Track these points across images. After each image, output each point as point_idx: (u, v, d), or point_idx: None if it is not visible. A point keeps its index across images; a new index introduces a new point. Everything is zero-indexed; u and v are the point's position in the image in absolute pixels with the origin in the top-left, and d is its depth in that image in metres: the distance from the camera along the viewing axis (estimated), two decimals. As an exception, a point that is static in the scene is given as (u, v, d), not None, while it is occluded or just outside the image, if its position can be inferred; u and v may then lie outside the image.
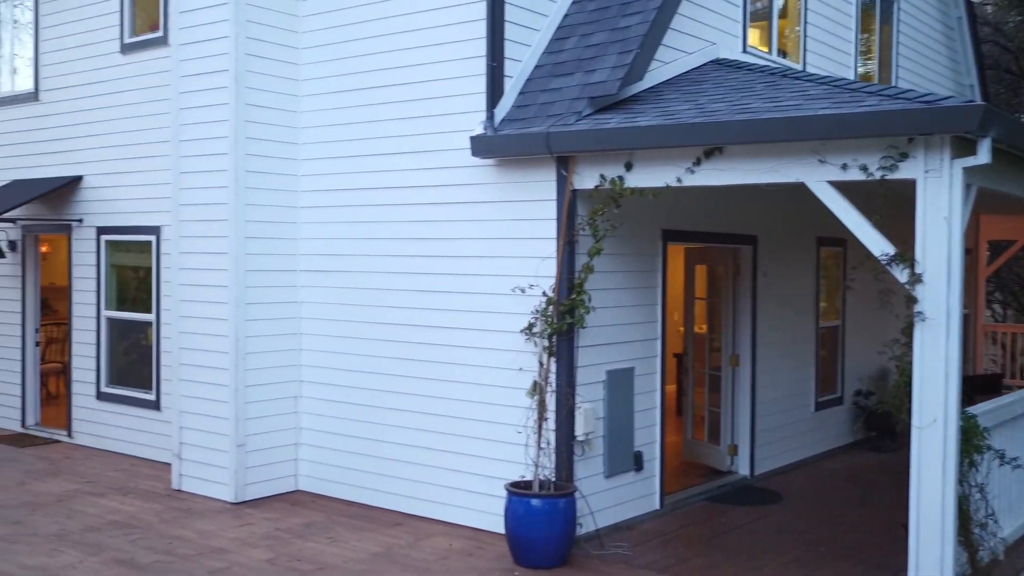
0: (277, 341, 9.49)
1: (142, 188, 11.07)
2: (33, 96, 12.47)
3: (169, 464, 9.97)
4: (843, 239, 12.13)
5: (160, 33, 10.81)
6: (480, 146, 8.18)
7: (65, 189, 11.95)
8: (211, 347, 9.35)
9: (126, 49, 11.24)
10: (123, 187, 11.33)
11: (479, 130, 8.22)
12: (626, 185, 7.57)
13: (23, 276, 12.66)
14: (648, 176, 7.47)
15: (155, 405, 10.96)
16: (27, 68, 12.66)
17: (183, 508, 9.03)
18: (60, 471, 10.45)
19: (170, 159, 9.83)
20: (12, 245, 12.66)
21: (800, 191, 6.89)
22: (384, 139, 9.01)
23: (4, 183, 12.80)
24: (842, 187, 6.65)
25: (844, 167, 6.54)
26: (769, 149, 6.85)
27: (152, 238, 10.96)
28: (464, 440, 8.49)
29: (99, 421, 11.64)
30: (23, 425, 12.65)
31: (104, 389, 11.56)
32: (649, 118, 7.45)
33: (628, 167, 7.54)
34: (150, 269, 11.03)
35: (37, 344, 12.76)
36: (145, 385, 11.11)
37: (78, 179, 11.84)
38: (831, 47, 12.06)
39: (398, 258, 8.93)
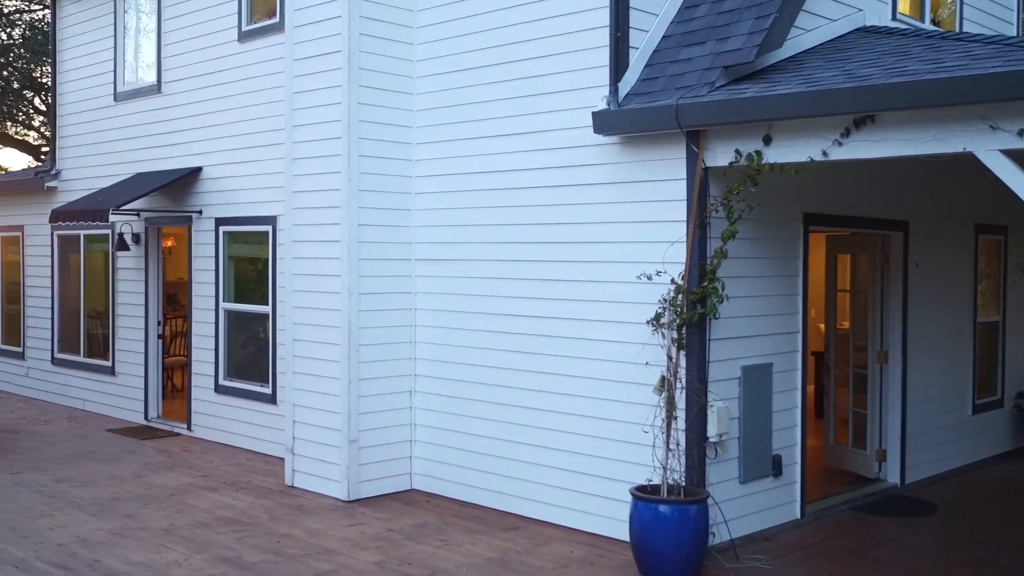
0: (391, 333, 9.10)
1: (259, 178, 10.88)
2: (155, 88, 12.47)
3: (284, 459, 9.70)
4: (1004, 226, 11.03)
5: (276, 19, 10.58)
6: (603, 122, 7.58)
7: (185, 181, 11.87)
8: (324, 339, 9.03)
9: (244, 37, 11.06)
10: (240, 177, 11.17)
11: (601, 106, 7.62)
12: (764, 161, 6.85)
13: (146, 269, 12.67)
14: (789, 150, 6.74)
15: (271, 399, 10.73)
16: (151, 59, 12.68)
17: (294, 505, 8.72)
18: (176, 464, 10.32)
19: (285, 147, 9.55)
20: (136, 238, 12.68)
21: (958, 172, 6.06)
22: (499, 120, 8.51)
23: (128, 176, 12.85)
24: (1019, 157, 5.81)
25: (1021, 133, 5.69)
26: (930, 115, 6.05)
27: (268, 228, 10.75)
28: (586, 439, 7.90)
29: (217, 415, 11.51)
30: (146, 418, 12.67)
31: (222, 382, 11.42)
32: (790, 86, 6.71)
33: (767, 141, 6.83)
34: (267, 260, 10.82)
35: (160, 337, 12.76)
36: (261, 378, 10.92)
37: (197, 170, 11.75)
38: (993, 16, 10.99)
39: (514, 245, 8.41)
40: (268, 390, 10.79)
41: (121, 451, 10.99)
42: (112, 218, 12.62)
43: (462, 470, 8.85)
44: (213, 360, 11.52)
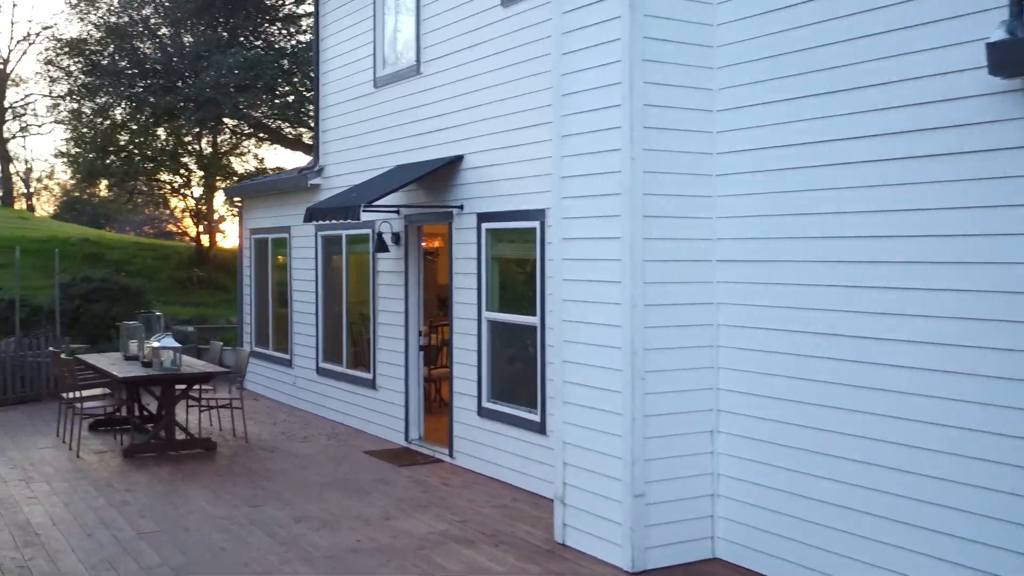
0: (686, 356, 7.05)
1: (525, 165, 9.17)
2: (414, 69, 11.10)
3: (554, 503, 7.90)
4: None
5: (543, -27, 8.81)
6: (1004, 59, 5.15)
7: (445, 172, 10.39)
8: (600, 362, 7.12)
9: (507, 0, 9.40)
10: (504, 165, 9.52)
11: (1000, 35, 5.19)
12: None
13: (406, 272, 11.34)
14: None
15: (540, 428, 8.99)
16: (410, 37, 11.34)
17: (563, 573, 6.87)
18: (431, 503, 8.80)
19: (552, 124, 7.73)
20: (395, 238, 11.39)
21: None
22: (842, 69, 6.22)
23: (387, 169, 11.59)
24: None
25: None
26: None
27: (535, 224, 9.01)
28: (997, 498, 5.48)
29: (480, 441, 9.93)
30: (406, 439, 11.34)
31: (485, 404, 9.83)
32: None
33: None
34: (534, 262, 9.09)
35: (421, 349, 11.39)
36: (529, 403, 9.20)
37: (458, 159, 10.23)
38: None
39: (873, 241, 6.07)
40: (536, 417, 9.06)
41: (374, 480, 9.64)
42: (370, 216, 11.41)
43: (786, 540, 6.64)
44: (475, 378, 9.96)
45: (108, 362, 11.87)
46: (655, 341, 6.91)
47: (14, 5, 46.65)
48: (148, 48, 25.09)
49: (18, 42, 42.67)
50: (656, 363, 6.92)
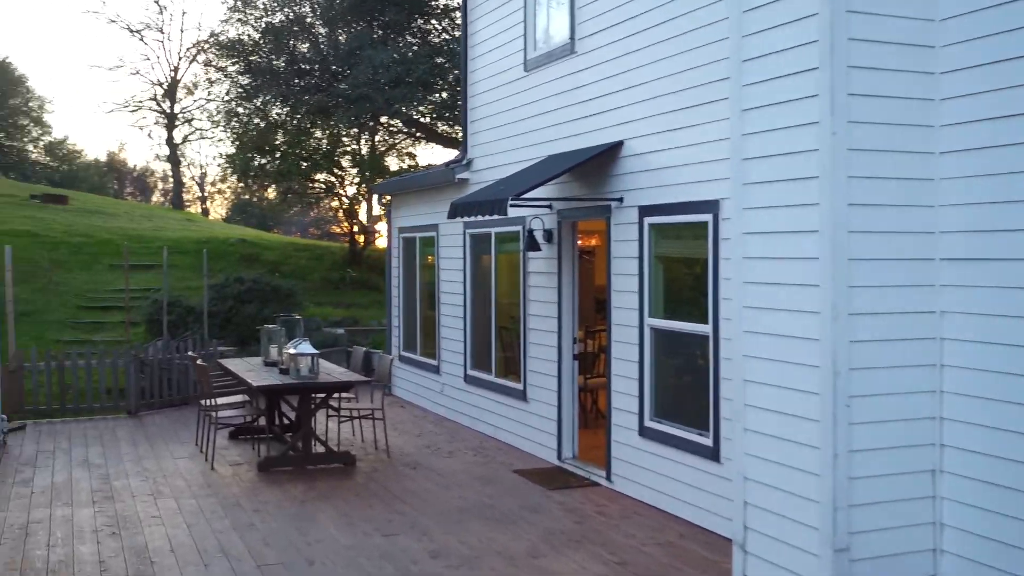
0: (901, 377, 5.68)
1: (693, 149, 7.96)
2: (568, 48, 10.01)
3: (730, 540, 6.66)
4: None
5: (717, -75, 7.57)
6: None
7: (602, 160, 9.27)
8: (791, 383, 5.83)
9: (673, -40, 8.19)
10: (669, 150, 8.32)
11: None
12: None
13: (559, 273, 10.26)
14: None
15: (712, 454, 7.75)
16: (563, 13, 10.26)
17: (747, 641, 5.64)
18: (585, 536, 7.68)
19: (730, 98, 6.48)
20: (547, 235, 10.34)
21: None
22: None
23: (538, 160, 10.55)
24: None
25: None
26: None
27: (708, 217, 7.77)
28: None
29: (641, 464, 8.76)
30: (559, 457, 10.27)
31: (648, 423, 8.65)
32: None
33: None
34: (705, 262, 7.86)
35: (575, 357, 10.28)
36: (699, 424, 7.97)
37: (616, 146, 9.08)
38: None
39: None
40: (708, 441, 7.82)
41: (522, 507, 8.60)
42: (519, 211, 10.40)
43: (1032, 614, 5.21)
44: (636, 393, 8.79)
45: (246, 368, 11.27)
46: (862, 359, 5.58)
47: (183, 13, 48.08)
48: (304, 47, 24.94)
49: (188, 49, 43.90)
50: (863, 386, 5.58)
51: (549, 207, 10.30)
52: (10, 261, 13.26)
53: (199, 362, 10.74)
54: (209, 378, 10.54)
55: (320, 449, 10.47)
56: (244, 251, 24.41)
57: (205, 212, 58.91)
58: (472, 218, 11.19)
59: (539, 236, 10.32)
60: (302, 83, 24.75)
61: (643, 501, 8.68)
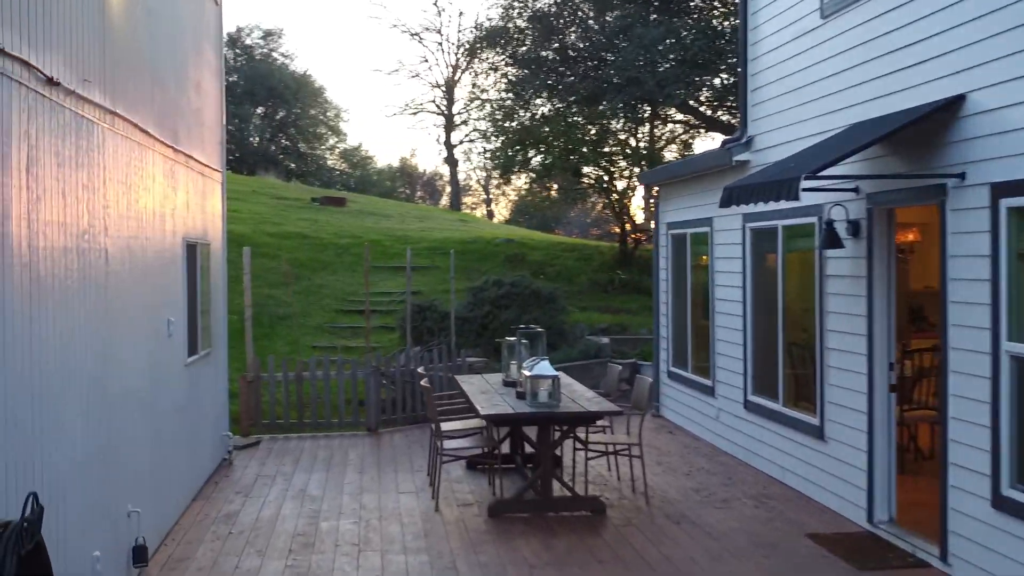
0: None
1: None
2: (882, -21, 7.54)
3: None
4: None
5: None
6: None
7: (930, 125, 6.77)
8: None
9: None
10: (1043, 100, 5.73)
11: None
12: None
13: (869, 277, 7.81)
14: None
15: (1119, 551, 5.12)
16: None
17: None
18: (918, 663, 5.30)
19: None
20: (852, 228, 7.93)
21: None
22: None
23: (840, 129, 8.14)
24: None
25: None
26: None
27: (1110, 195, 5.15)
28: None
29: (996, 549, 6.19)
30: (869, 519, 7.80)
31: (1007, 492, 6.08)
32: None
33: None
34: (1105, 261, 5.23)
35: (891, 388, 7.78)
36: (1094, 503, 5.35)
37: (953, 102, 6.56)
38: None
39: None
40: (1112, 532, 5.19)
41: (819, 597, 6.30)
42: (815, 197, 8.05)
43: None
44: (988, 446, 6.24)
45: (480, 388, 9.61)
46: None
47: (460, 13, 47.99)
48: (573, 35, 23.34)
49: (461, 47, 43.75)
50: None
51: (855, 190, 7.88)
52: (248, 264, 12.44)
53: (423, 382, 9.18)
54: (434, 401, 8.96)
55: (563, 492, 8.62)
56: (509, 252, 23.12)
57: (490, 215, 59.10)
58: (752, 207, 8.95)
59: (841, 229, 7.92)
60: (569, 71, 23.15)
61: (998, 601, 6.12)
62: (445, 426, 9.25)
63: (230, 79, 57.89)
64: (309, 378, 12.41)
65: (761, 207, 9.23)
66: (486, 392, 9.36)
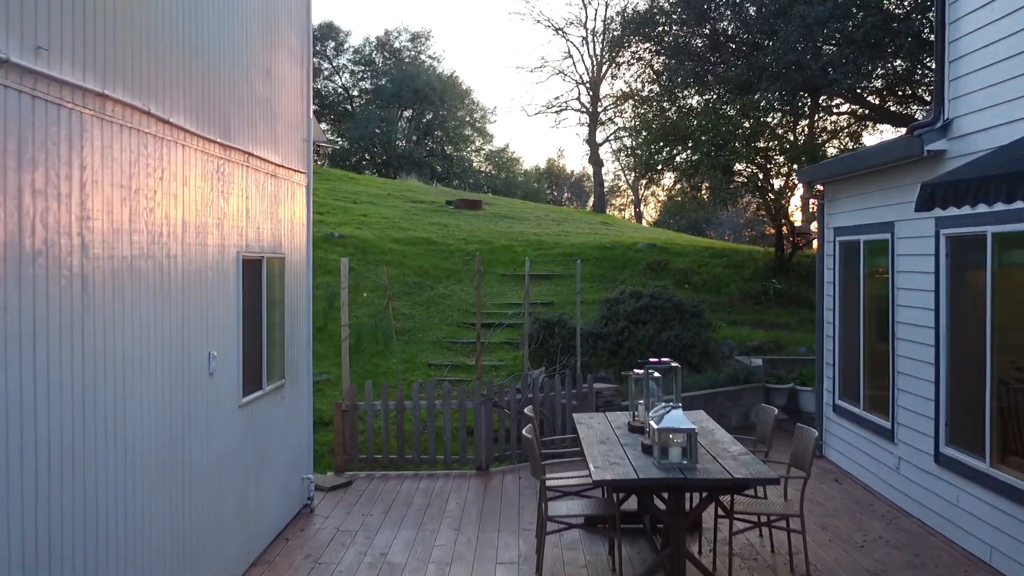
0: None
1: None
2: None
3: None
4: None
5: None
6: None
7: None
8: None
9: None
10: None
11: None
12: None
13: None
14: None
15: None
16: None
17: None
18: None
19: None
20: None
21: None
22: None
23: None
24: None
25: None
26: None
27: None
28: None
29: None
30: None
31: None
32: None
33: None
34: None
35: None
36: None
37: None
38: None
39: None
40: None
41: None
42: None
43: None
44: None
45: (600, 436, 7.77)
46: None
47: (606, 5, 45.94)
48: (725, 16, 21.14)
49: (604, 36, 41.66)
50: None
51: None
52: (347, 277, 10.95)
53: (525, 431, 7.40)
54: (535, 449, 7.19)
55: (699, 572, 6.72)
56: (651, 258, 21.07)
57: (638, 216, 56.92)
58: (955, 211, 6.83)
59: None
60: (720, 59, 20.97)
61: None
62: (553, 482, 7.48)
63: (378, 83, 57.48)
64: (411, 408, 10.84)
65: (967, 209, 7.09)
66: (606, 441, 7.53)
